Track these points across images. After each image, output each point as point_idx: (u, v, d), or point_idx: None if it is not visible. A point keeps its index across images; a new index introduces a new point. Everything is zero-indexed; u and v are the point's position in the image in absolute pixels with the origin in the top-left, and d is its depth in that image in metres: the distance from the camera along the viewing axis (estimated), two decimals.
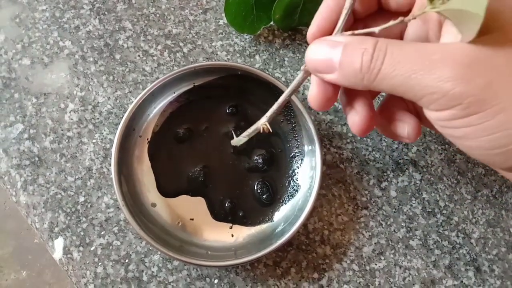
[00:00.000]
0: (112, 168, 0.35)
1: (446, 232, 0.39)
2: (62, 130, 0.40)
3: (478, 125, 0.21)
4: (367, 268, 0.37)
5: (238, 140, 0.36)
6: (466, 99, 0.20)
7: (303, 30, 0.44)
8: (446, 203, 0.40)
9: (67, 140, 0.40)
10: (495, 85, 0.20)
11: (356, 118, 0.27)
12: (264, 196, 0.38)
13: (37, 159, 0.39)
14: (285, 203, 0.38)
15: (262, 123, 0.33)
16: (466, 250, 0.38)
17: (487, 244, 0.39)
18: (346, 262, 0.38)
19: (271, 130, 0.33)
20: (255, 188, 0.38)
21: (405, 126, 0.27)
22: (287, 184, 0.39)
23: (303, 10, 0.40)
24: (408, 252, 0.38)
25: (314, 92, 0.27)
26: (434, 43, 0.22)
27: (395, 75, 0.22)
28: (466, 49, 0.21)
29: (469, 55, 0.21)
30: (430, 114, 0.23)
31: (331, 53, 0.24)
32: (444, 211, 0.39)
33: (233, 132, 0.37)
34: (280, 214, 0.38)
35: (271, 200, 0.38)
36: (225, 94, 0.40)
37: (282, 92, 0.37)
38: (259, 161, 0.39)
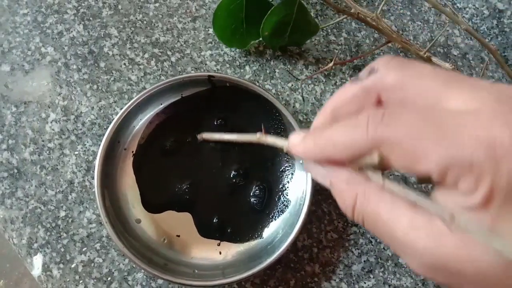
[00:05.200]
0: (95, 183, 0.34)
1: None
2: (43, 141, 0.38)
3: None
4: (356, 286, 0.37)
5: (208, 136, 0.36)
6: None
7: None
8: None
9: (48, 152, 0.38)
10: None
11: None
12: (257, 200, 0.37)
13: (16, 171, 0.37)
14: (275, 219, 0.37)
15: (228, 138, 0.35)
16: None
17: None
18: (335, 280, 0.37)
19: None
20: (252, 191, 0.37)
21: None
22: (277, 199, 0.38)
23: (294, 29, 0.38)
24: (398, 270, 0.37)
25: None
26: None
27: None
28: None
29: None
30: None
31: (324, 179, 0.23)
32: None
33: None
34: (270, 230, 0.37)
35: (262, 207, 0.37)
36: (213, 106, 0.38)
37: (272, 105, 0.36)
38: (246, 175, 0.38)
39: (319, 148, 0.22)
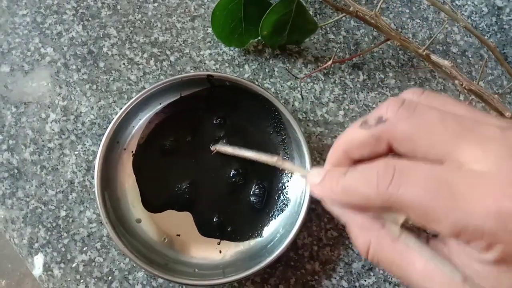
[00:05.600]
0: (95, 184, 0.34)
1: None
2: (43, 141, 0.38)
3: None
4: (357, 284, 0.37)
5: (223, 149, 0.35)
6: None
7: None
8: None
9: (48, 152, 0.38)
10: None
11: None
12: (256, 199, 0.37)
13: (16, 171, 0.38)
14: (275, 218, 0.37)
15: (243, 155, 0.33)
16: None
17: None
18: (335, 278, 0.37)
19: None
20: (251, 190, 0.37)
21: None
22: (276, 198, 0.38)
23: (292, 28, 0.38)
24: None
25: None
26: None
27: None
28: None
29: None
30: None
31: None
32: None
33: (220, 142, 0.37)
34: (270, 229, 0.37)
35: (262, 205, 0.37)
36: (213, 105, 0.39)
37: (271, 103, 0.36)
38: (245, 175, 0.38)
39: (336, 194, 0.23)
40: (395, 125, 0.21)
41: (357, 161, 0.24)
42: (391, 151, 0.22)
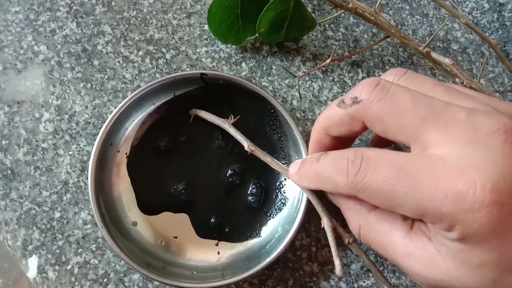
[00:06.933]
0: (89, 187, 0.33)
1: None
2: (37, 141, 0.38)
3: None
4: (355, 285, 0.36)
5: (201, 113, 0.37)
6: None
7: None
8: None
9: (42, 152, 0.37)
10: None
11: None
12: (254, 199, 0.37)
13: (9, 172, 0.37)
14: (273, 217, 0.37)
15: (220, 124, 0.36)
16: None
17: None
18: (333, 280, 0.37)
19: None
20: (249, 189, 0.37)
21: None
22: (274, 197, 0.37)
23: (290, 25, 0.38)
24: (397, 269, 0.37)
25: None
26: None
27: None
28: None
29: None
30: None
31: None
32: None
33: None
34: (268, 229, 0.37)
35: (260, 205, 0.37)
36: (207, 104, 0.38)
37: (266, 101, 0.36)
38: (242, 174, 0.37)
39: (311, 180, 0.26)
40: (368, 106, 0.22)
41: (337, 138, 0.26)
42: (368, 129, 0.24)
